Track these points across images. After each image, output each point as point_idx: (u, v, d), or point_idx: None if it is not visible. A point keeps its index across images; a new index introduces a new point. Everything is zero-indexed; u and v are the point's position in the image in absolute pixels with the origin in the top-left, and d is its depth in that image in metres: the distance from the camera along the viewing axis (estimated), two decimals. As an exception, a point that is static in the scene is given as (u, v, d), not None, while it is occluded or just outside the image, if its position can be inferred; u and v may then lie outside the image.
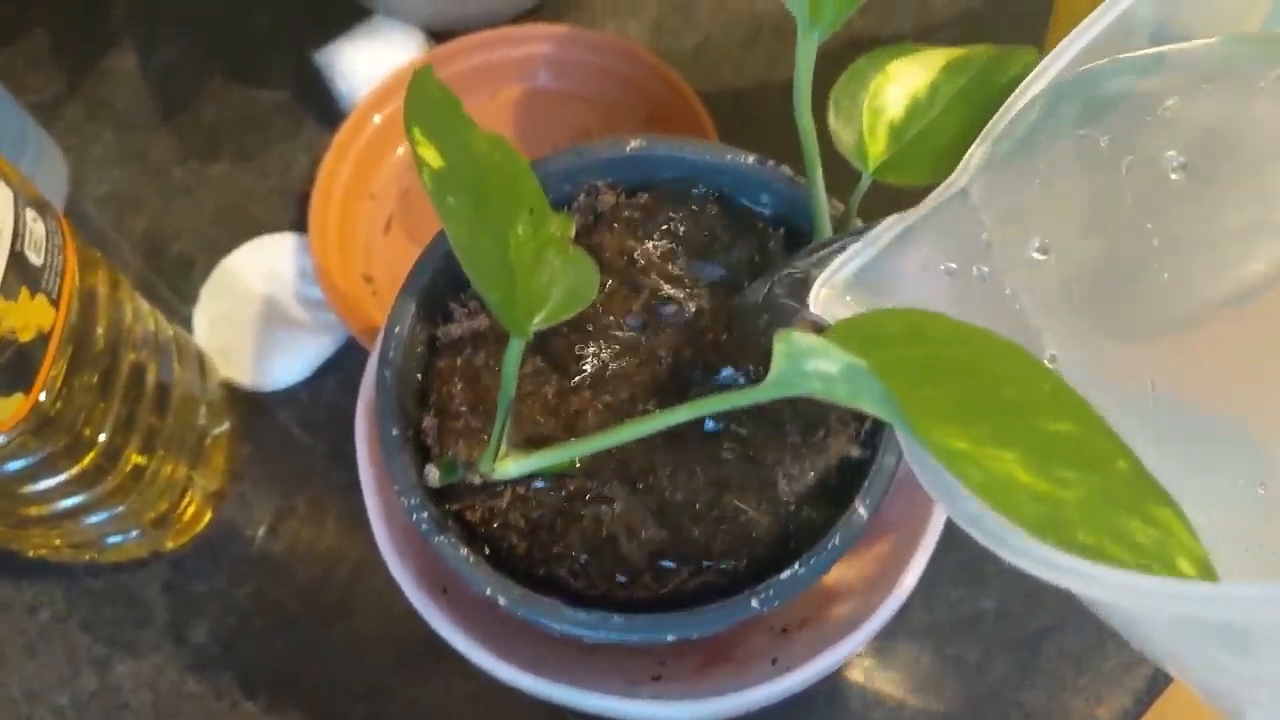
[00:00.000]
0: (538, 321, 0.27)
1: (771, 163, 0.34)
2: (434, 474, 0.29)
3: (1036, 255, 0.28)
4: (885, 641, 0.43)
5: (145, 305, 0.43)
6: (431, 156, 0.25)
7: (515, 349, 0.27)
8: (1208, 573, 0.20)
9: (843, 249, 0.27)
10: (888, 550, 0.37)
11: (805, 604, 0.38)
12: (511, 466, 0.28)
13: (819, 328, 0.25)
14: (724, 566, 0.31)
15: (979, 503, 0.20)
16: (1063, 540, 0.19)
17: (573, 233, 0.29)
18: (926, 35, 0.54)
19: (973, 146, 0.28)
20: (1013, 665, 0.43)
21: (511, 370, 0.27)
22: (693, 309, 0.34)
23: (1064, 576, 0.18)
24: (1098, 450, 0.21)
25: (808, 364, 0.21)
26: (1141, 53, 0.28)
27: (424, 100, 0.26)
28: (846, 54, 0.32)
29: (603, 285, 0.35)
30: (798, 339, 0.21)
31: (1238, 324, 0.28)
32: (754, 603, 0.30)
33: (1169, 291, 0.29)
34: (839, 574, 0.38)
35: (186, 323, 0.50)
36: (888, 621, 0.36)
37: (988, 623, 0.43)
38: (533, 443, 0.32)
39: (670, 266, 0.35)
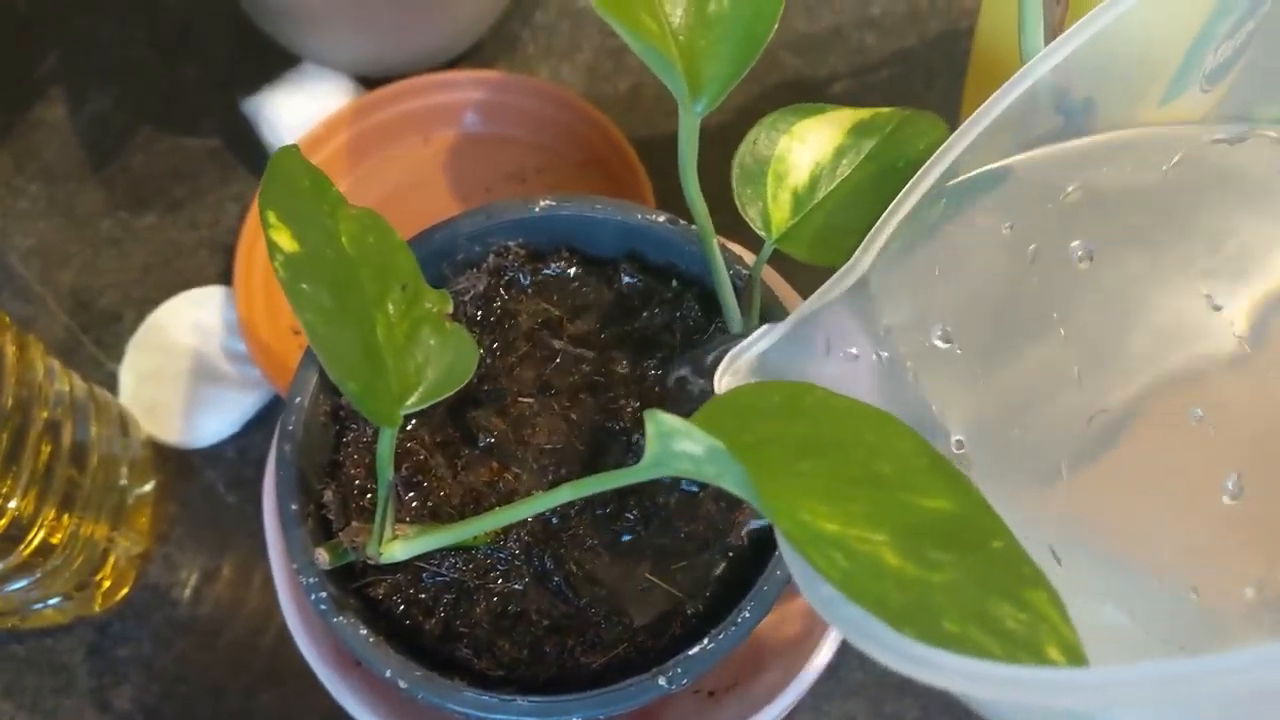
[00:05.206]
0: (411, 403, 0.26)
1: (683, 223, 0.34)
2: (323, 558, 0.29)
3: (939, 344, 0.27)
4: (820, 701, 0.42)
5: (58, 365, 0.42)
6: (285, 241, 0.24)
7: (386, 437, 0.26)
8: (1077, 660, 0.19)
9: (743, 337, 0.27)
10: (811, 608, 0.36)
11: (732, 666, 0.37)
12: (399, 550, 0.27)
13: None
14: (637, 641, 0.31)
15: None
16: (925, 630, 0.18)
17: (450, 308, 0.28)
18: (861, 75, 0.53)
19: (871, 233, 0.27)
20: (950, 722, 0.42)
21: (385, 457, 0.26)
22: (607, 372, 0.33)
23: (929, 672, 0.18)
24: (973, 529, 0.21)
25: (676, 444, 0.21)
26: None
27: (283, 182, 0.25)
28: (782, 96, 0.32)
29: (515, 350, 0.34)
30: (665, 419, 0.21)
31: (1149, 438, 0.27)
32: (662, 681, 0.29)
33: (1078, 386, 0.28)
34: (766, 633, 0.37)
35: (113, 379, 0.49)
36: (817, 681, 0.35)
37: (924, 678, 0.42)
38: (438, 517, 0.31)
39: (584, 328, 0.34)
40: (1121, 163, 0.30)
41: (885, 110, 0.30)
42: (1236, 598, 0.22)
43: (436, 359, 0.27)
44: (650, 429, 0.21)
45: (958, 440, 0.26)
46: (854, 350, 0.27)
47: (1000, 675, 0.16)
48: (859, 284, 0.27)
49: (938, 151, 0.27)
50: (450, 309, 0.28)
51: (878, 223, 0.26)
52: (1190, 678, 0.13)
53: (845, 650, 0.43)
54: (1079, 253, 0.28)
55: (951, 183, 0.28)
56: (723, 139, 0.33)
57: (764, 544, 0.32)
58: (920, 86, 0.53)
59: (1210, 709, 0.16)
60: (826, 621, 0.19)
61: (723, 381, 0.26)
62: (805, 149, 0.29)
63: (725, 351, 0.27)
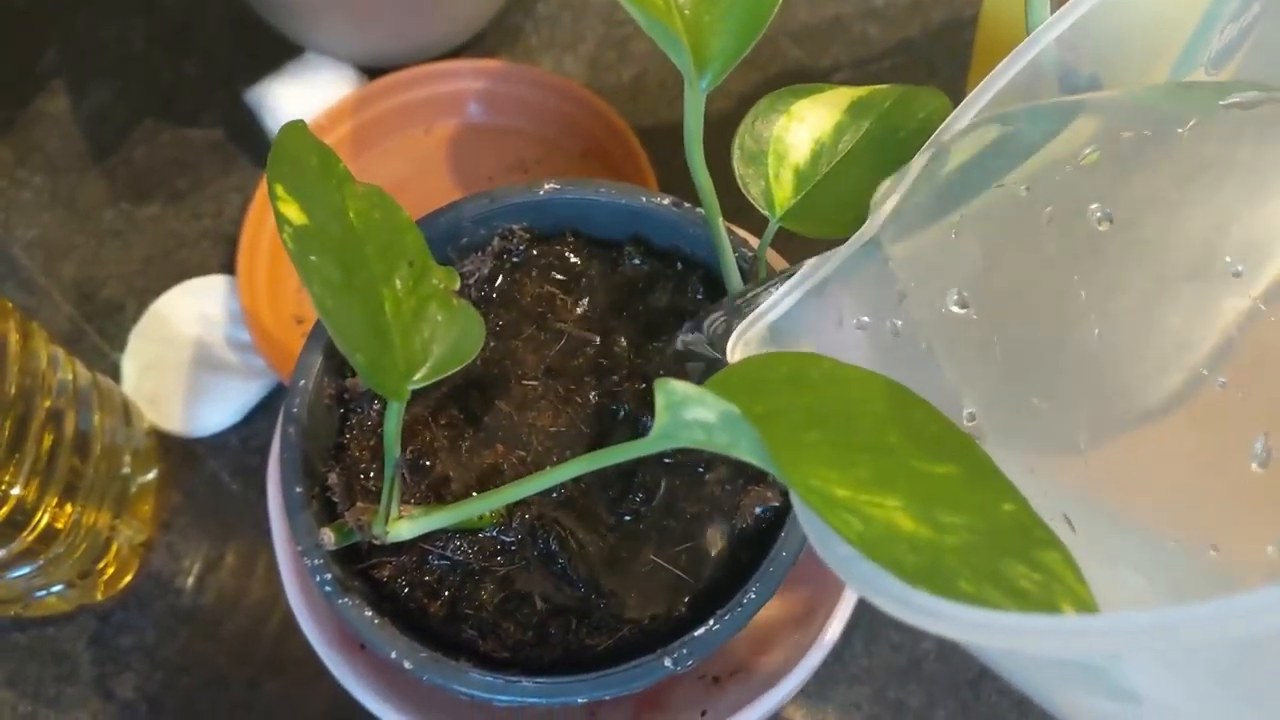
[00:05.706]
0: (418, 379, 0.26)
1: (687, 206, 0.34)
2: (329, 538, 0.28)
3: (955, 309, 0.27)
4: (824, 686, 0.42)
5: (62, 354, 0.42)
6: (294, 214, 0.24)
7: (394, 412, 0.26)
8: None
9: (755, 305, 0.27)
10: (815, 592, 0.36)
11: (736, 650, 0.37)
12: (405, 528, 0.27)
13: None
14: (641, 623, 0.31)
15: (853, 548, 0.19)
16: (941, 589, 0.18)
17: (457, 285, 0.28)
18: (864, 65, 0.53)
19: (882, 193, 0.27)
20: (954, 709, 0.42)
21: (392, 433, 0.26)
22: (611, 355, 0.33)
23: (942, 624, 0.17)
24: (983, 493, 0.21)
25: (687, 413, 0.21)
26: (1056, 100, 0.27)
27: (291, 156, 0.25)
28: (784, 85, 0.32)
29: (520, 332, 0.34)
30: (676, 387, 0.20)
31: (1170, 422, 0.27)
32: (667, 662, 0.29)
33: (1099, 350, 0.28)
34: (770, 617, 0.37)
35: (115, 368, 0.49)
36: (820, 667, 0.35)
37: (928, 666, 0.42)
38: (443, 500, 0.31)
39: (588, 311, 0.34)
40: (1138, 125, 0.29)
41: (882, 87, 0.30)
42: (1259, 557, 0.22)
43: (443, 335, 0.27)
44: (660, 398, 0.21)
45: (970, 413, 0.26)
46: (867, 319, 0.27)
47: (1013, 624, 0.16)
48: (872, 249, 0.27)
49: (952, 113, 0.27)
50: (457, 286, 0.28)
51: (889, 185, 0.26)
52: (1210, 619, 0.13)
53: (849, 636, 0.43)
54: (1097, 214, 0.28)
55: (963, 129, 0.27)
56: (724, 127, 0.33)
57: (769, 526, 0.32)
58: (923, 76, 0.53)
59: (1224, 655, 0.15)
60: (841, 578, 0.19)
61: (735, 352, 0.26)
62: (804, 128, 0.29)
63: (727, 312, 0.27)
